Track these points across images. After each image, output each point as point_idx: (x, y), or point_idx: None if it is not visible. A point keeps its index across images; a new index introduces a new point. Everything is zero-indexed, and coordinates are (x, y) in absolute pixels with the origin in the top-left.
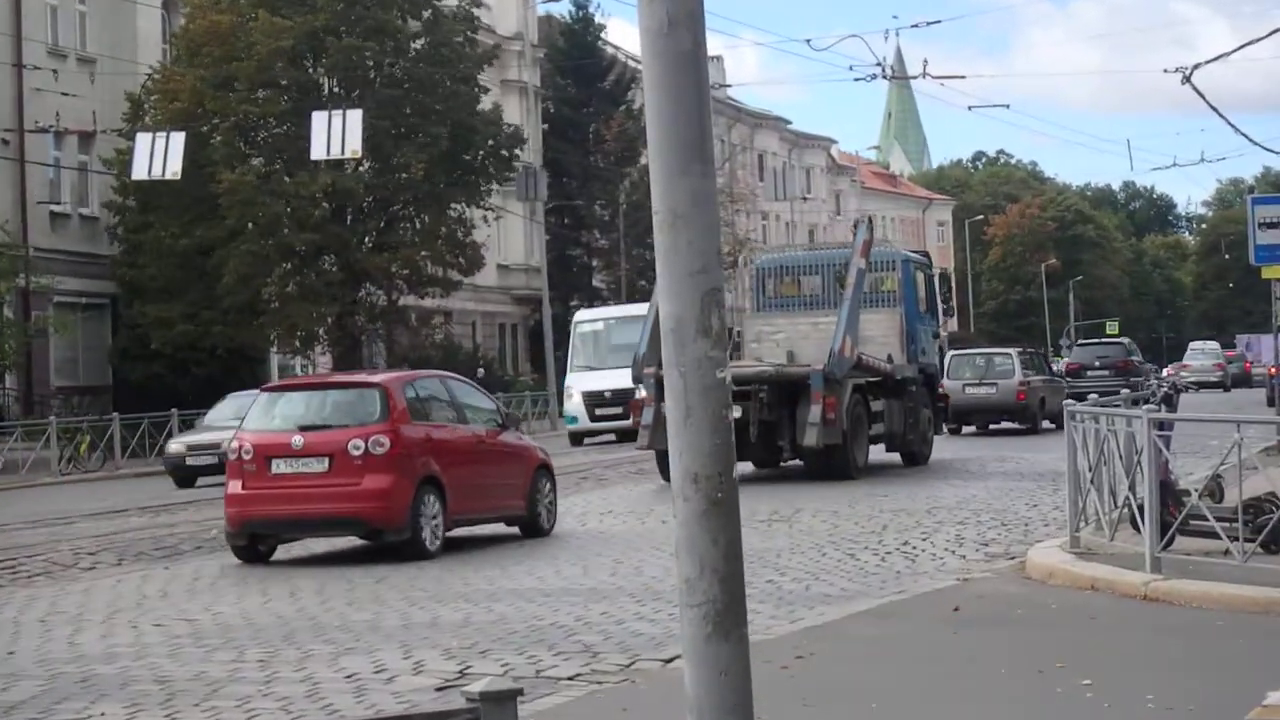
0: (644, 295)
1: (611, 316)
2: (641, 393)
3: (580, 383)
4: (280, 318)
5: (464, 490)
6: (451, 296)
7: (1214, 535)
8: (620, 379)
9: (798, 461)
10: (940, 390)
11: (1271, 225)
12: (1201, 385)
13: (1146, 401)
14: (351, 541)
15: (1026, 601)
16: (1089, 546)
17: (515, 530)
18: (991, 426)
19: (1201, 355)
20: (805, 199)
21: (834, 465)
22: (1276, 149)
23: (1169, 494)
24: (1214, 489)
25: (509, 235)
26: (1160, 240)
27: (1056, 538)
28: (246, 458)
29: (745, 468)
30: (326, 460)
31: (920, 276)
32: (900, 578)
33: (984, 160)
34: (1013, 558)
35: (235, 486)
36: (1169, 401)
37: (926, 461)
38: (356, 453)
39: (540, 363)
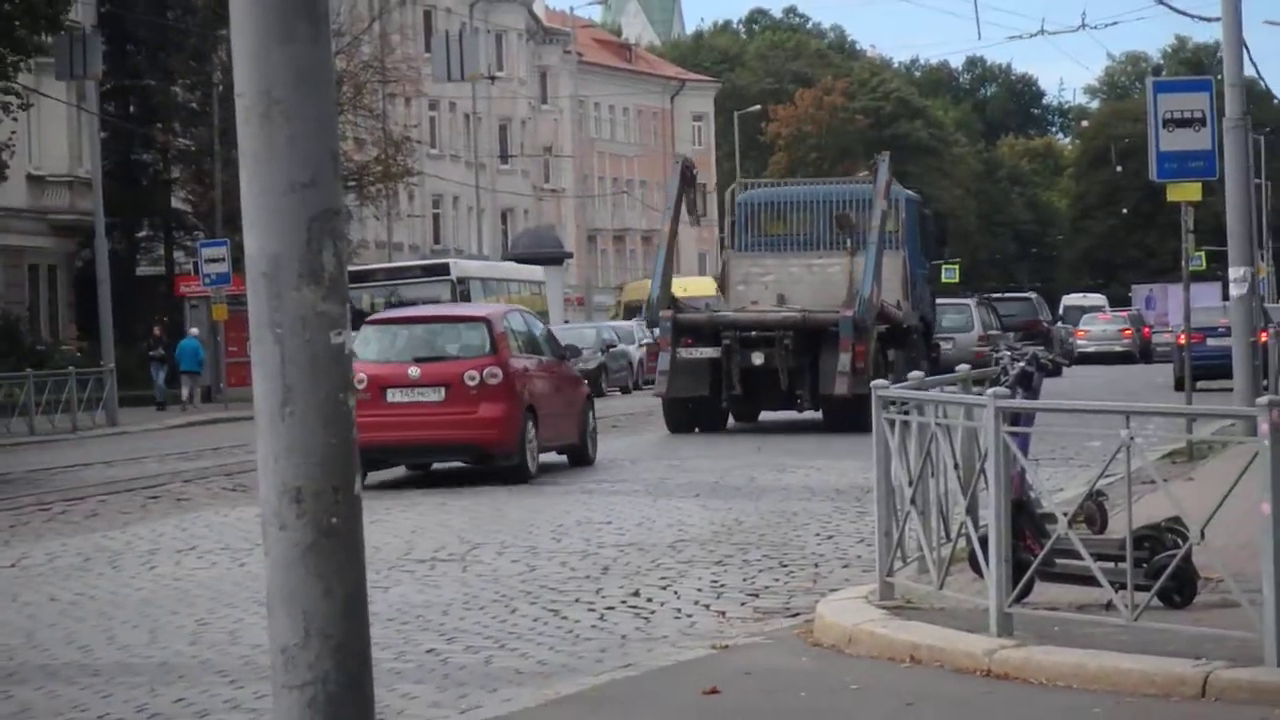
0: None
1: None
2: (656, 335)
3: None
4: None
5: (548, 418)
6: None
7: (1091, 580)
8: None
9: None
10: (935, 341)
11: (1182, 122)
12: (1101, 358)
13: (994, 382)
14: None
15: (815, 680)
16: (908, 597)
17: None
18: None
19: (1098, 318)
20: (494, 79)
21: (858, 416)
22: (1194, 10)
23: (1026, 520)
24: (1092, 513)
25: (44, 132)
26: (1023, 145)
27: (861, 584)
28: (360, 387)
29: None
30: (442, 390)
31: (919, 216)
32: (627, 645)
33: (763, 23)
34: (796, 614)
35: None
36: (1027, 382)
37: None
38: (472, 383)
39: (91, 325)
